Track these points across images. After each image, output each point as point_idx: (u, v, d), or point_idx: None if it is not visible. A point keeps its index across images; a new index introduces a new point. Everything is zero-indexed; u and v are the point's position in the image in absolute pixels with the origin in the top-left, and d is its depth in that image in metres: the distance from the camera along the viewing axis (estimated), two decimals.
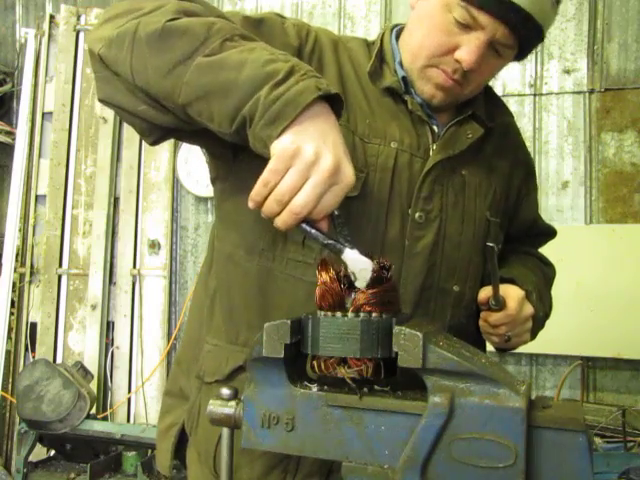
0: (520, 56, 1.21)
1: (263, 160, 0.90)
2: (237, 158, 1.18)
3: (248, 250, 1.19)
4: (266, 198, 0.88)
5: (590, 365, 3.15)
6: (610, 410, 2.75)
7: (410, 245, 1.17)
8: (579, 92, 3.26)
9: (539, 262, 1.49)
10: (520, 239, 1.47)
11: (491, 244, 1.10)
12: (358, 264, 0.88)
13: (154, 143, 1.15)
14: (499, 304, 1.20)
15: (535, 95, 3.32)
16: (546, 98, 3.32)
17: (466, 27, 1.12)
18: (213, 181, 1.29)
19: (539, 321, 1.31)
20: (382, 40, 1.28)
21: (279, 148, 0.87)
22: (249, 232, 1.18)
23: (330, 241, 0.91)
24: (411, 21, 1.23)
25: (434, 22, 1.14)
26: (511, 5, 1.08)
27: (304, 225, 0.89)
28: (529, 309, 1.25)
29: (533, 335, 1.31)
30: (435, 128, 1.23)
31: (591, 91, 3.23)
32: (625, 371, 3.11)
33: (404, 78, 1.22)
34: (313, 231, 0.90)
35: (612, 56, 3.21)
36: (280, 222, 0.88)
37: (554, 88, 3.30)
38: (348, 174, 0.89)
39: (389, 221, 1.17)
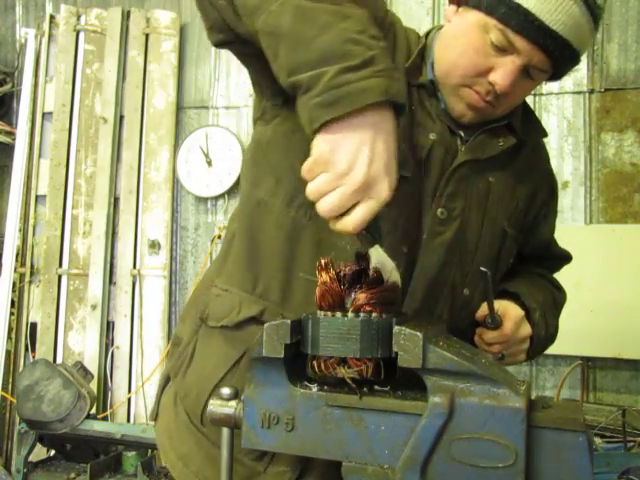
0: (554, 78, 1.20)
1: None
2: (288, 104, 1.12)
3: (285, 201, 1.16)
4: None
5: (590, 365, 3.15)
6: (610, 410, 2.75)
7: (428, 239, 1.17)
8: (579, 92, 3.26)
9: (550, 286, 1.47)
10: (534, 260, 1.45)
11: (484, 269, 1.09)
12: (380, 260, 0.89)
13: (217, 45, 1.10)
14: (495, 323, 1.19)
15: (535, 95, 3.32)
16: (546, 98, 3.32)
17: (502, 50, 1.10)
18: (255, 120, 1.25)
19: (539, 341, 1.30)
20: (427, 37, 1.27)
21: (317, 151, 0.85)
22: (289, 183, 1.15)
23: (363, 232, 0.89)
24: (446, 35, 1.21)
25: (469, 42, 1.12)
26: (550, 32, 1.06)
27: None
28: (526, 330, 1.24)
29: (530, 356, 1.31)
30: (462, 133, 1.22)
31: (591, 91, 3.23)
32: (625, 371, 3.11)
33: (432, 82, 1.21)
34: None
35: (612, 56, 3.21)
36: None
37: (554, 88, 3.29)
38: (382, 190, 0.86)
39: (419, 214, 1.17)
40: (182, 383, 1.26)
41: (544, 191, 1.37)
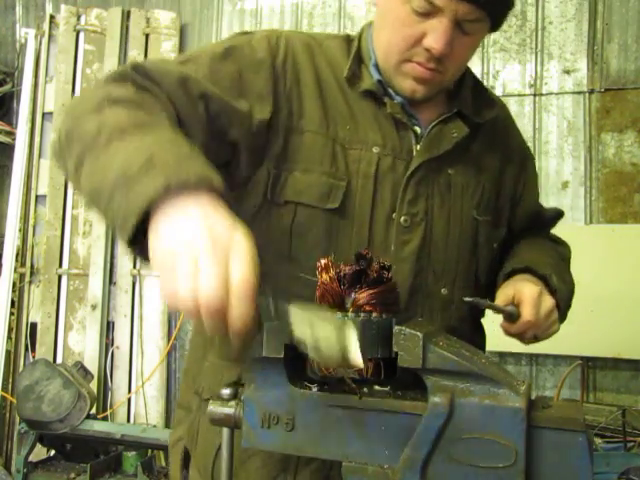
0: (494, 26, 1.18)
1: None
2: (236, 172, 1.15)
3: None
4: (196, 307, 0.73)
5: (590, 365, 3.15)
6: (610, 410, 2.75)
7: (397, 250, 1.16)
8: (579, 92, 3.26)
9: (552, 243, 1.47)
10: (528, 231, 1.44)
11: (469, 299, 1.09)
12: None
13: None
14: (513, 317, 1.18)
15: (535, 95, 3.32)
16: (546, 98, 3.32)
17: (427, 14, 1.10)
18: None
19: (565, 303, 1.28)
20: (360, 39, 1.27)
21: (153, 260, 0.76)
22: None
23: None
24: (376, 19, 1.22)
25: (395, 16, 1.13)
26: None
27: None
28: (548, 303, 1.20)
29: (562, 319, 1.28)
30: (417, 129, 1.22)
31: (591, 91, 3.23)
32: (625, 371, 3.11)
33: (380, 81, 1.21)
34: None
35: (612, 56, 3.21)
36: (233, 321, 0.73)
37: (554, 88, 3.30)
38: (237, 240, 0.75)
39: (373, 227, 1.16)
40: (195, 457, 1.25)
41: (512, 166, 1.36)
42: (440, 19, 1.09)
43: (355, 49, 1.24)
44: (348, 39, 1.29)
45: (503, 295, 1.21)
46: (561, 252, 1.45)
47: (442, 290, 1.21)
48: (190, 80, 1.07)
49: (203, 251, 0.73)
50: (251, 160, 1.15)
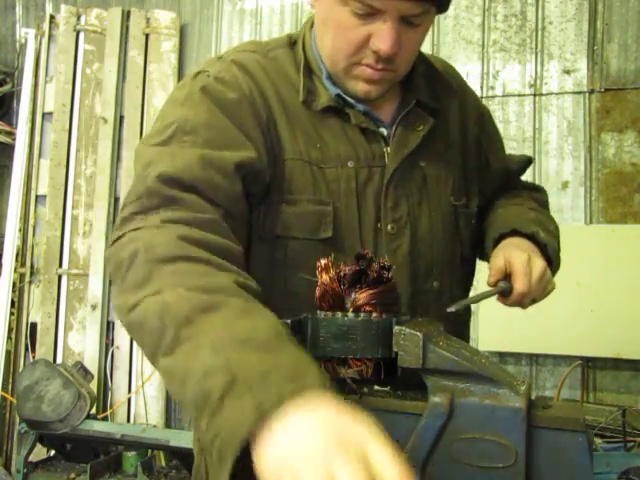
0: (441, 10, 1.11)
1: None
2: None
3: None
4: None
5: (590, 365, 3.15)
6: (610, 410, 2.75)
7: (390, 258, 1.14)
8: (579, 92, 3.26)
9: (528, 192, 1.46)
10: (501, 188, 1.44)
11: (450, 309, 1.04)
12: None
13: None
14: (506, 293, 1.17)
15: (535, 95, 3.32)
16: (546, 98, 3.32)
17: (368, 16, 1.05)
18: None
19: (556, 251, 1.28)
20: (304, 47, 1.20)
21: None
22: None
23: None
24: (317, 24, 1.17)
25: (336, 21, 1.08)
26: None
27: None
28: (538, 267, 1.18)
29: (556, 269, 1.29)
30: (384, 131, 1.19)
31: (591, 91, 3.23)
32: (625, 371, 3.11)
33: (338, 95, 1.16)
34: None
35: (612, 56, 3.21)
36: None
37: (554, 88, 3.30)
38: (360, 430, 0.65)
39: (364, 240, 1.15)
40: None
41: (471, 133, 1.34)
42: (383, 19, 1.04)
43: (303, 63, 1.18)
44: (291, 43, 1.23)
45: (496, 268, 1.19)
46: (539, 199, 1.45)
47: (434, 283, 1.21)
48: (211, 159, 1.01)
49: (335, 456, 0.62)
50: (253, 202, 1.12)
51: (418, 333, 0.78)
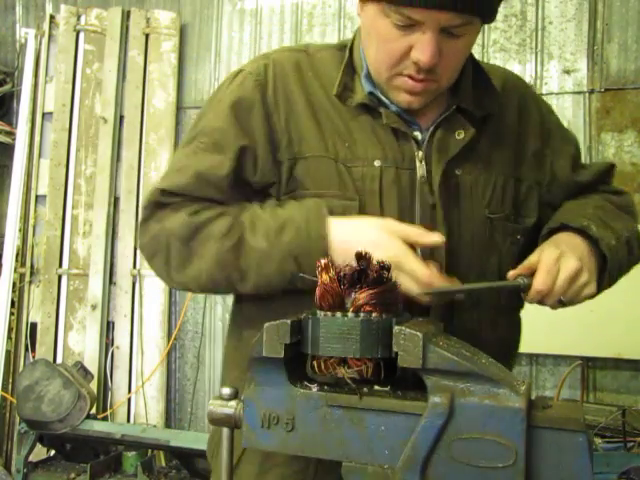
0: (487, 21, 1.11)
1: None
2: None
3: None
4: None
5: (590, 365, 3.15)
6: (610, 410, 2.75)
7: None
8: (579, 92, 3.26)
9: (604, 194, 1.35)
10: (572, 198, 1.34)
11: (430, 291, 1.06)
12: None
13: None
14: (523, 289, 1.11)
15: None
16: (546, 98, 3.31)
17: (408, 27, 1.06)
18: None
19: (617, 249, 1.18)
20: (352, 47, 1.23)
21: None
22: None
23: None
24: (362, 35, 1.19)
25: (378, 33, 1.10)
26: None
27: None
28: (570, 266, 1.10)
29: (616, 273, 1.20)
30: (418, 134, 1.19)
31: (591, 91, 3.23)
32: (625, 371, 3.11)
33: (371, 93, 1.18)
34: None
35: (612, 56, 3.21)
36: None
37: (554, 88, 3.30)
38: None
39: None
40: (215, 466, 1.29)
41: (531, 147, 1.29)
42: (423, 30, 1.05)
43: (346, 60, 1.21)
44: (342, 47, 1.26)
45: (524, 263, 1.13)
46: (616, 201, 1.34)
47: (456, 295, 1.17)
48: (205, 175, 1.17)
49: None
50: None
51: (418, 333, 0.78)
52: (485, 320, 1.23)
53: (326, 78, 1.21)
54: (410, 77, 1.11)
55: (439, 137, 1.18)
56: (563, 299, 1.12)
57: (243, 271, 1.12)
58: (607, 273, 1.19)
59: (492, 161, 1.23)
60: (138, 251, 3.80)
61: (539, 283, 1.09)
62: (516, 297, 1.26)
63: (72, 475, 2.99)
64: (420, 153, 1.17)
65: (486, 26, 3.42)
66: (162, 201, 1.18)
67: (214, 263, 1.12)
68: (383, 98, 1.18)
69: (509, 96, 1.30)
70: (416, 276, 1.04)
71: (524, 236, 1.26)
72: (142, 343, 3.74)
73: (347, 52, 1.23)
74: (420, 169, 1.17)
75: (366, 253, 0.88)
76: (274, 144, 1.18)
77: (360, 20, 1.18)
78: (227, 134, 1.18)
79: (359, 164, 1.16)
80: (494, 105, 1.25)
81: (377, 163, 1.16)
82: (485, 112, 1.23)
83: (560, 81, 3.30)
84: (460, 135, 1.18)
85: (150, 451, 3.18)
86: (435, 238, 1.08)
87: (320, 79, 1.21)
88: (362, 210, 1.14)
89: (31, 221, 3.93)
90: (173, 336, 3.76)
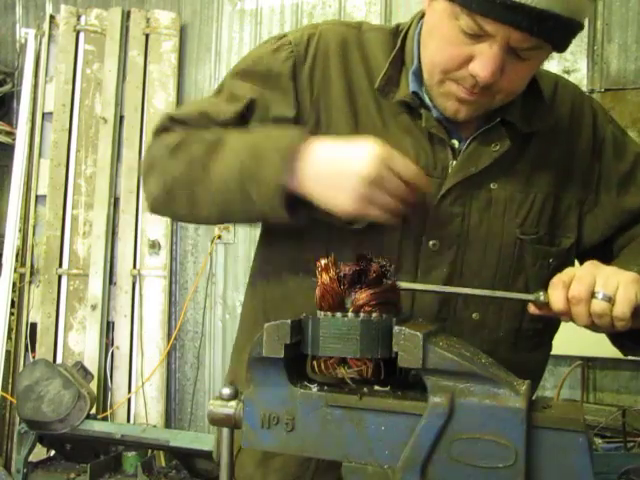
0: (558, 50, 1.04)
1: None
2: None
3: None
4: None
5: (590, 365, 3.15)
6: (610, 410, 2.75)
7: (422, 276, 1.10)
8: None
9: None
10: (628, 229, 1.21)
11: (404, 285, 0.98)
12: None
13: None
14: (538, 303, 1.02)
15: None
16: None
17: (476, 36, 0.99)
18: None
19: None
20: (406, 37, 1.15)
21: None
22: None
23: None
24: (423, 33, 1.11)
25: (442, 34, 1.03)
26: (520, 7, 0.93)
27: None
28: (581, 285, 0.97)
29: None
30: (456, 143, 1.13)
31: (591, 91, 3.23)
32: (625, 371, 3.11)
33: (415, 92, 1.11)
34: None
35: (612, 56, 3.21)
36: None
37: None
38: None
39: (402, 251, 1.10)
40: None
41: (579, 164, 1.19)
42: (490, 44, 0.98)
43: (396, 50, 1.13)
44: (397, 32, 1.17)
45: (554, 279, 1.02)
46: None
47: (473, 315, 1.13)
48: (210, 114, 1.17)
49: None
50: None
51: (418, 333, 0.78)
52: (504, 343, 1.17)
53: (373, 62, 1.14)
54: (464, 87, 1.04)
55: (473, 148, 1.12)
56: (597, 323, 0.98)
57: (207, 174, 1.07)
58: None
59: (534, 177, 1.15)
60: (138, 251, 3.81)
61: (555, 301, 0.99)
62: (540, 321, 1.17)
63: (72, 475, 2.99)
64: (454, 163, 1.11)
65: None
66: (167, 125, 1.19)
67: (186, 164, 1.10)
68: (427, 100, 1.12)
69: (560, 105, 1.22)
70: (408, 166, 0.99)
71: (557, 259, 1.17)
72: (142, 343, 3.74)
73: (400, 41, 1.14)
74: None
75: (366, 253, 0.88)
76: (296, 122, 1.14)
77: (426, 13, 1.10)
78: (246, 95, 1.16)
79: None
80: (544, 122, 1.17)
81: None
82: (533, 129, 1.16)
83: None
84: (496, 147, 1.11)
85: (150, 451, 3.18)
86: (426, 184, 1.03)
87: (366, 63, 1.14)
88: None
89: (31, 221, 3.93)
90: (173, 336, 3.76)
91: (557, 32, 0.99)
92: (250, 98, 1.15)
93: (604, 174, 1.22)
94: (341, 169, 0.97)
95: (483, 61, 0.99)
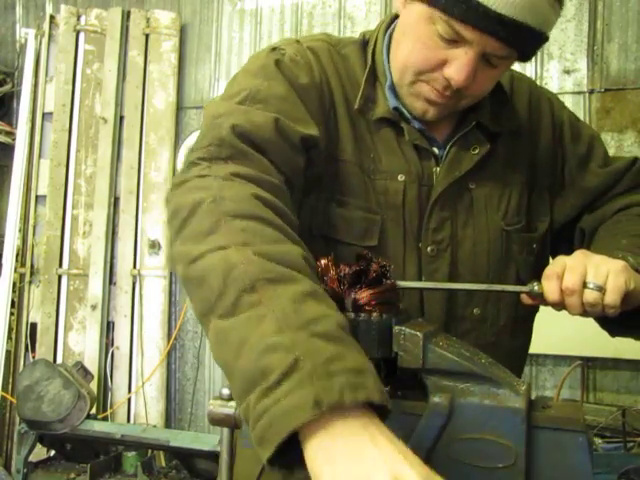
0: (523, 59, 1.10)
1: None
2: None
3: None
4: None
5: (590, 365, 3.15)
6: (610, 410, 2.75)
7: (427, 280, 1.13)
8: (579, 92, 3.26)
9: (634, 209, 1.23)
10: (592, 209, 1.26)
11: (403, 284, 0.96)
12: None
13: None
14: (533, 295, 1.02)
15: None
16: None
17: (452, 41, 1.02)
18: None
19: None
20: (374, 51, 1.17)
21: None
22: None
23: None
24: (396, 33, 1.13)
25: (418, 36, 1.04)
26: (498, 17, 0.96)
27: None
28: (573, 276, 0.98)
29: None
30: (436, 150, 1.16)
31: (591, 91, 3.23)
32: (625, 371, 3.11)
33: (396, 108, 1.13)
34: None
35: (612, 56, 3.21)
36: None
37: (554, 88, 3.29)
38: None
39: (406, 258, 1.13)
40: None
41: (543, 151, 1.25)
42: (465, 50, 1.01)
43: (369, 67, 1.15)
44: (363, 42, 1.20)
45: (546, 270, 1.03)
46: None
47: (474, 310, 1.17)
48: (284, 125, 1.00)
49: None
50: (305, 186, 1.09)
51: (418, 333, 0.78)
52: (505, 332, 1.21)
53: (355, 80, 1.15)
54: (435, 89, 1.07)
55: (454, 153, 1.15)
56: (588, 310, 1.00)
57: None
58: None
59: (507, 172, 1.20)
60: (138, 251, 3.81)
61: (549, 292, 1.00)
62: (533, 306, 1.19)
63: (72, 475, 2.99)
64: (438, 169, 1.15)
65: None
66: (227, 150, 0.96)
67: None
68: (406, 113, 1.14)
69: (518, 99, 1.26)
70: None
71: (539, 244, 1.23)
72: (142, 343, 3.74)
73: (370, 56, 1.17)
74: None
75: (366, 253, 0.88)
76: (326, 136, 1.10)
77: (399, 15, 1.11)
78: (298, 108, 1.06)
79: (382, 177, 1.12)
80: (511, 122, 1.22)
81: (401, 177, 1.13)
82: (502, 128, 1.20)
83: (560, 81, 3.30)
84: (475, 150, 1.16)
85: (150, 451, 3.18)
86: None
87: (351, 80, 1.15)
88: (384, 227, 1.11)
89: (31, 221, 3.94)
90: (173, 336, 3.76)
91: (529, 43, 1.04)
92: (301, 136, 1.02)
93: (566, 158, 1.27)
94: None
95: (458, 66, 1.02)
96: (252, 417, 0.67)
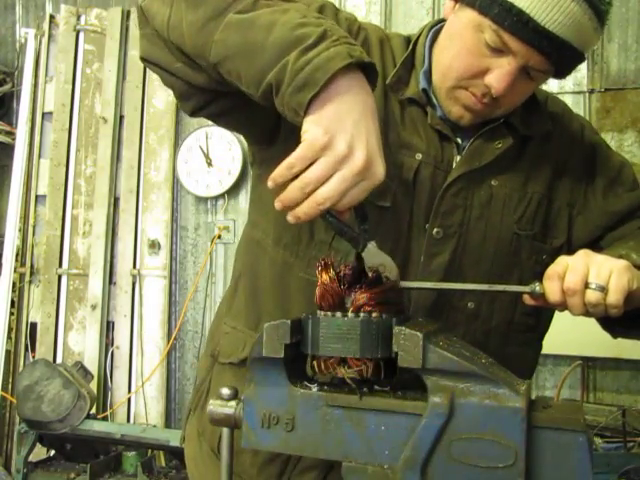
0: (558, 76, 1.14)
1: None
2: (273, 145, 1.17)
3: (275, 240, 1.18)
4: (288, 182, 0.85)
5: (590, 365, 3.15)
6: (610, 410, 2.75)
7: (425, 262, 1.13)
8: (579, 92, 3.26)
9: None
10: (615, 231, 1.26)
11: (405, 284, 0.98)
12: (377, 259, 0.89)
13: (193, 113, 1.12)
14: (534, 295, 1.02)
15: None
16: None
17: (497, 51, 1.05)
18: (251, 164, 1.31)
19: None
20: (417, 42, 1.22)
21: (311, 136, 0.84)
22: (276, 222, 1.17)
23: (352, 233, 0.90)
24: (442, 36, 1.17)
25: (464, 42, 1.08)
26: (546, 32, 1.01)
27: (326, 214, 0.88)
28: (575, 277, 0.99)
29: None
30: (459, 140, 1.18)
31: (591, 91, 3.23)
32: (625, 371, 3.11)
33: (424, 90, 1.17)
34: (334, 220, 0.90)
35: (612, 56, 3.21)
36: (300, 212, 0.85)
37: (554, 88, 3.29)
38: (379, 172, 0.87)
39: (412, 236, 1.14)
40: (200, 418, 1.28)
41: (570, 167, 1.25)
42: (509, 61, 1.05)
43: (408, 53, 1.19)
44: (408, 40, 1.25)
45: (548, 271, 1.04)
46: None
47: (468, 304, 1.17)
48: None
49: (352, 166, 0.84)
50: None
51: (418, 333, 0.78)
52: (496, 334, 1.20)
53: (392, 58, 1.20)
54: (474, 95, 1.10)
55: (477, 144, 1.17)
56: (590, 310, 1.00)
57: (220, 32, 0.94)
58: None
59: (531, 178, 1.21)
60: (138, 251, 3.81)
61: (551, 292, 1.00)
62: (534, 316, 1.22)
63: (72, 475, 2.99)
64: (458, 157, 1.17)
65: None
66: None
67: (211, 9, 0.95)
68: (433, 99, 1.17)
69: (551, 112, 1.29)
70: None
71: (550, 257, 1.18)
72: (142, 343, 3.74)
73: (411, 45, 1.21)
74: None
75: (361, 251, 0.89)
76: None
77: (446, 20, 1.15)
78: None
79: (402, 152, 1.14)
80: (542, 127, 1.24)
81: (419, 156, 1.14)
82: (531, 132, 1.22)
83: (560, 81, 3.29)
84: (498, 145, 1.17)
85: (150, 451, 3.18)
86: None
87: (389, 55, 1.20)
88: (396, 196, 1.12)
89: (31, 221, 3.94)
90: (173, 336, 3.76)
91: (568, 61, 1.09)
92: None
93: (592, 179, 1.28)
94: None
95: (500, 75, 1.06)
96: (291, 71, 0.85)
